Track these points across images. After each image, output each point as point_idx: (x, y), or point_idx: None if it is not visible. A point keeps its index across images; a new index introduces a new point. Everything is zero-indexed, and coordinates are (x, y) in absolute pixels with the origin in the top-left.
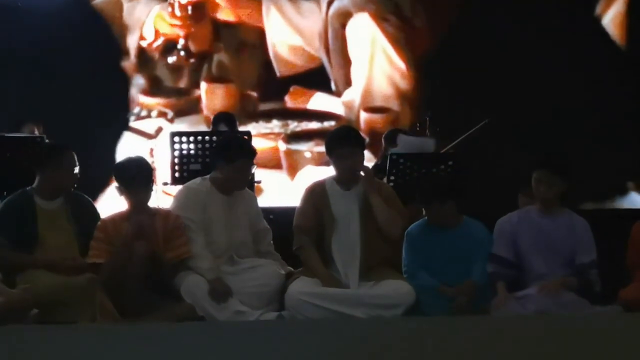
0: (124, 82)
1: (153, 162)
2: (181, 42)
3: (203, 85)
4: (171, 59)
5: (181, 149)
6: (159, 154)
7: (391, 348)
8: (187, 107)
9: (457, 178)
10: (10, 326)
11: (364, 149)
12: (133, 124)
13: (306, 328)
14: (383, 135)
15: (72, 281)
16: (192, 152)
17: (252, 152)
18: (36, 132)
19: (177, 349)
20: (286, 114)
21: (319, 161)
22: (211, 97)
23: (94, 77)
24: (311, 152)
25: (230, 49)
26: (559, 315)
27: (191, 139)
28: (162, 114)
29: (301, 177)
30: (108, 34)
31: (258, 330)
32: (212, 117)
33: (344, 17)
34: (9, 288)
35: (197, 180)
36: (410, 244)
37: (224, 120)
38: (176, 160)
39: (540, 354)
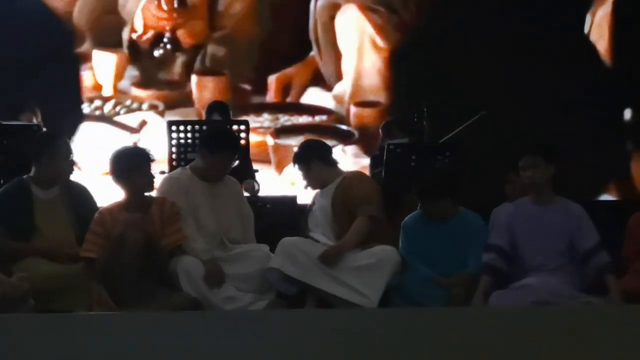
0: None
1: None
2: (168, 35)
3: (193, 78)
4: (157, 52)
5: (179, 138)
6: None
7: (387, 339)
8: (179, 99)
9: (454, 171)
10: (6, 315)
11: (306, 164)
12: (117, 118)
13: (301, 317)
14: (380, 126)
15: (69, 270)
16: (189, 141)
17: (236, 146)
18: (34, 121)
19: (173, 338)
20: (277, 108)
21: None
22: (201, 89)
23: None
24: None
25: (224, 41)
26: (556, 306)
27: (189, 127)
28: (153, 107)
29: (288, 172)
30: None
31: (254, 319)
32: (206, 107)
33: (332, 9)
34: (6, 277)
35: (177, 170)
36: (407, 235)
37: (218, 109)
38: (174, 149)
39: (538, 345)
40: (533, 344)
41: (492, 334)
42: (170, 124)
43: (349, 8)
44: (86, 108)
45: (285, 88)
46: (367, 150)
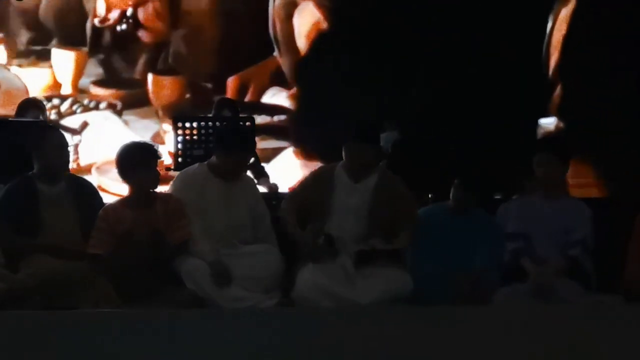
0: None
1: (77, 158)
2: (130, 10)
3: (150, 77)
4: (120, 28)
5: (185, 134)
6: (85, 150)
7: (394, 337)
8: (137, 98)
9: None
10: (12, 312)
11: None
12: (63, 120)
13: (308, 317)
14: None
15: (75, 266)
16: (195, 137)
17: (250, 145)
18: (40, 117)
19: (178, 334)
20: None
21: (262, 158)
22: (158, 89)
23: None
24: None
25: (187, 39)
26: (561, 305)
27: (194, 124)
28: (111, 105)
29: None
30: None
31: (260, 317)
32: (215, 103)
33: (290, 7)
34: (12, 273)
35: (195, 165)
36: (416, 229)
37: (227, 106)
38: (180, 146)
39: (544, 343)
40: (539, 341)
41: (497, 331)
42: (176, 119)
43: (306, 5)
44: None
45: (241, 90)
46: None
